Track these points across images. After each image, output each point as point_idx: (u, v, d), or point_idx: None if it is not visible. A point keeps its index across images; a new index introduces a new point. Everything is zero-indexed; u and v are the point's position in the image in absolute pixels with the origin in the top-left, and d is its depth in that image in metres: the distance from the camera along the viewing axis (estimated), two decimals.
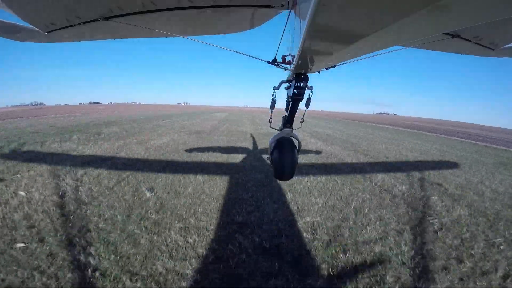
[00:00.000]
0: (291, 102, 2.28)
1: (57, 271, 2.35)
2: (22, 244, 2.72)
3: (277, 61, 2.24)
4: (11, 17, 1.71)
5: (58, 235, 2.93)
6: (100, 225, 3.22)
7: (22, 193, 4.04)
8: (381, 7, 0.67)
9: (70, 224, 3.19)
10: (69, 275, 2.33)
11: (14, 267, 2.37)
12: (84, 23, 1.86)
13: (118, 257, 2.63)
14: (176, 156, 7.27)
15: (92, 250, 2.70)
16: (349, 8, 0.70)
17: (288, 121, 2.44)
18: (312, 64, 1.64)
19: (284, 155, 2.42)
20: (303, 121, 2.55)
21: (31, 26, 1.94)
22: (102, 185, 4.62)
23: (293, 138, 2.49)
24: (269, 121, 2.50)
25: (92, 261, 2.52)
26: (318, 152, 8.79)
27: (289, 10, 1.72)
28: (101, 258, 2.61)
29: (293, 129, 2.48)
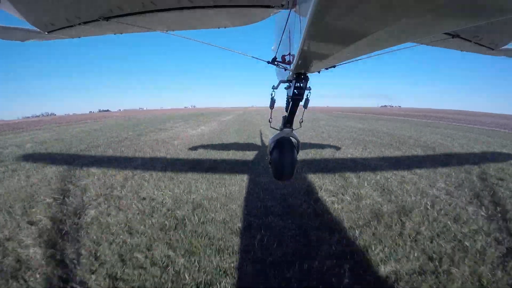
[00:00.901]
0: (291, 102, 2.28)
1: None
2: None
3: (277, 60, 2.24)
4: (10, 17, 1.72)
5: None
6: None
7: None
8: (381, 8, 0.67)
9: None
10: None
11: None
12: (85, 23, 1.87)
13: None
14: (241, 113, 36.89)
15: None
16: (349, 9, 0.70)
17: (288, 121, 2.44)
18: (312, 64, 1.64)
19: (284, 155, 2.42)
20: (302, 121, 2.55)
21: (31, 27, 1.95)
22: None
23: (292, 138, 2.49)
24: (269, 120, 2.48)
25: None
26: None
27: (289, 10, 1.73)
28: None
29: (293, 129, 2.48)
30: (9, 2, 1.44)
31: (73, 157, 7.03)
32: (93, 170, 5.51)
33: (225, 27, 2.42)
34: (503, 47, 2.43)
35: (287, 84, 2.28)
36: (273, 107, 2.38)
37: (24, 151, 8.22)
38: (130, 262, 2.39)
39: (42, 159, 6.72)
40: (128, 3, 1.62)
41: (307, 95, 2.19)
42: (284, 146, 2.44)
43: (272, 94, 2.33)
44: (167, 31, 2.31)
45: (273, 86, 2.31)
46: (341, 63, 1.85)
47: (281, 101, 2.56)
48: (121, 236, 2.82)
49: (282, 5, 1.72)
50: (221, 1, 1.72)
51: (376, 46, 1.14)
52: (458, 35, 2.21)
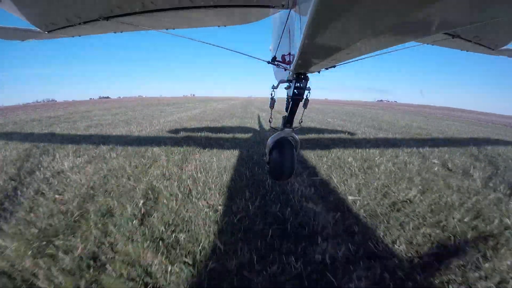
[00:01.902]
0: (291, 102, 2.27)
1: None
2: None
3: (277, 60, 2.23)
4: (11, 17, 1.72)
5: None
6: None
7: None
8: (381, 8, 0.67)
9: None
10: None
11: None
12: (85, 22, 1.87)
13: None
14: (238, 102, 34.99)
15: None
16: (349, 8, 0.70)
17: (288, 121, 2.42)
18: (312, 64, 1.64)
19: (284, 156, 2.38)
20: (301, 121, 2.53)
21: (31, 26, 1.95)
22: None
23: (292, 138, 2.47)
24: (270, 121, 2.44)
25: None
26: None
27: (289, 10, 1.73)
28: None
29: (293, 129, 2.46)
30: (10, 1, 1.45)
31: None
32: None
33: (225, 26, 2.42)
34: (503, 48, 2.44)
35: (287, 84, 2.27)
36: (273, 107, 2.36)
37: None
38: None
39: None
40: (128, 3, 1.62)
41: (307, 95, 2.17)
42: (283, 146, 2.40)
43: (272, 94, 2.31)
44: (167, 29, 2.31)
45: (273, 85, 2.29)
46: (341, 63, 1.85)
47: (281, 91, 2.54)
48: None
49: (282, 5, 1.72)
50: (221, 0, 1.72)
51: (376, 46, 1.13)
52: (458, 35, 2.21)
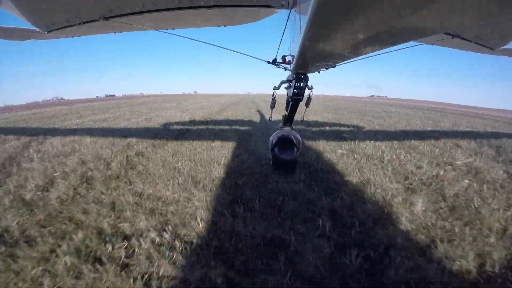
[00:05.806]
0: (291, 102, 2.28)
1: None
2: None
3: (277, 61, 2.24)
4: (10, 17, 1.72)
5: None
6: None
7: None
8: (381, 8, 0.67)
9: None
10: None
11: None
12: (85, 22, 1.87)
13: None
14: (242, 97, 36.72)
15: None
16: (349, 8, 0.70)
17: (288, 119, 2.45)
18: (312, 64, 1.64)
19: (285, 152, 2.45)
20: (303, 119, 2.60)
21: (31, 26, 1.95)
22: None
23: (293, 136, 2.52)
24: (269, 119, 2.63)
25: None
26: None
27: (289, 10, 1.73)
28: None
29: (292, 127, 2.50)
30: (11, 2, 1.45)
31: None
32: None
33: (224, 26, 2.43)
34: (502, 47, 2.44)
35: (288, 84, 2.28)
36: (273, 107, 2.41)
37: None
38: None
39: None
40: (128, 3, 1.62)
41: (310, 94, 2.22)
42: (285, 143, 2.45)
43: (273, 94, 2.35)
44: (167, 29, 2.31)
45: (274, 87, 2.31)
46: (341, 62, 1.84)
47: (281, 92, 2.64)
48: None
49: (282, 5, 1.72)
50: (221, 1, 1.72)
51: (376, 46, 1.13)
52: (458, 35, 2.22)
